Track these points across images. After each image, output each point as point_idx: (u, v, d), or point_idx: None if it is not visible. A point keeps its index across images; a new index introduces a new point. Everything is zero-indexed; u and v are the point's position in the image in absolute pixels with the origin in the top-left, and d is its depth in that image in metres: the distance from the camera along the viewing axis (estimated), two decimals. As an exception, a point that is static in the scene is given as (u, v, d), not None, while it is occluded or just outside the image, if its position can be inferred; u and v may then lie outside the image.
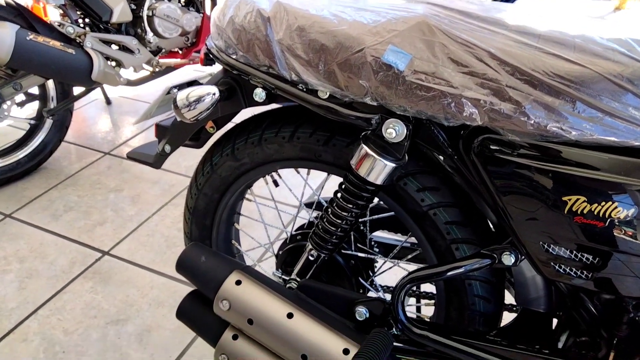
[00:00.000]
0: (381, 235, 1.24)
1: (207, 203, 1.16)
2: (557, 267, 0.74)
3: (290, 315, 0.86)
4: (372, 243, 1.16)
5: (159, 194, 2.12)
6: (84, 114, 2.79)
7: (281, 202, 1.94)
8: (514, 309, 1.10)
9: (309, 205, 1.19)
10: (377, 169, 0.81)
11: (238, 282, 0.90)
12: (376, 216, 1.06)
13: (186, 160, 2.33)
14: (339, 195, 0.89)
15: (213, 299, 0.92)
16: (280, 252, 1.14)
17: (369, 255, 1.07)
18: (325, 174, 1.07)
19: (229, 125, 1.13)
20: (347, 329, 0.87)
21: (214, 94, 0.88)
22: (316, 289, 0.91)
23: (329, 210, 0.91)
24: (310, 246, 0.96)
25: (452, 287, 0.95)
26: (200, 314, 0.97)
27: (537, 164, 0.71)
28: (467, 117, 0.71)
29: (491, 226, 0.93)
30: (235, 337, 0.92)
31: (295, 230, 1.15)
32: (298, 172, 1.09)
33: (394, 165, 0.81)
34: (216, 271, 0.93)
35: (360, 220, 0.96)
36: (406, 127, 0.78)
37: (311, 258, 0.96)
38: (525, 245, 0.77)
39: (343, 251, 1.07)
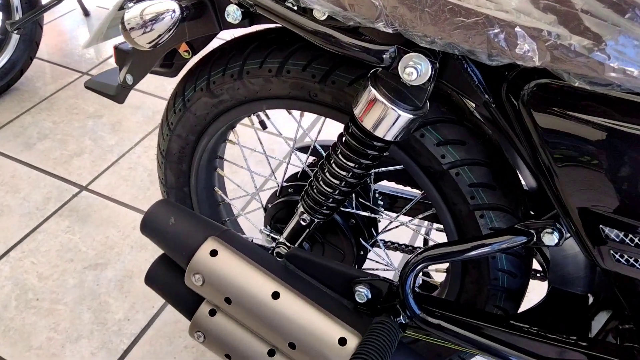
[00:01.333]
0: (387, 185, 1.07)
1: (182, 146, 0.97)
2: (617, 255, 0.58)
3: (276, 295, 0.71)
4: (376, 195, 0.99)
5: (141, 121, 1.92)
6: (59, 27, 2.51)
7: (273, 146, 1.75)
8: (538, 276, 0.95)
9: (302, 149, 1.01)
10: (388, 121, 0.61)
11: (213, 253, 0.74)
12: (383, 169, 0.88)
13: (172, 83, 2.10)
14: (337, 150, 0.70)
15: (185, 268, 0.77)
16: (270, 206, 0.97)
17: (372, 214, 0.90)
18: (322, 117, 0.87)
19: (208, 49, 0.91)
20: (344, 311, 0.72)
21: (174, 11, 0.66)
22: (308, 261, 0.75)
23: (325, 168, 0.72)
24: (301, 208, 0.79)
25: (472, 259, 0.79)
26: (172, 282, 0.82)
27: (610, 123, 0.52)
28: (520, 54, 0.50)
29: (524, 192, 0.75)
30: (212, 313, 0.78)
31: (287, 181, 0.98)
32: (290, 113, 0.89)
33: (410, 116, 0.61)
34: (187, 237, 0.77)
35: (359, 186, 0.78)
36: (431, 64, 0.57)
37: (303, 223, 0.79)
38: (576, 223, 0.59)
39: (342, 209, 0.90)
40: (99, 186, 1.65)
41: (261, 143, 0.98)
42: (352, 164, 0.69)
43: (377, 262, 0.98)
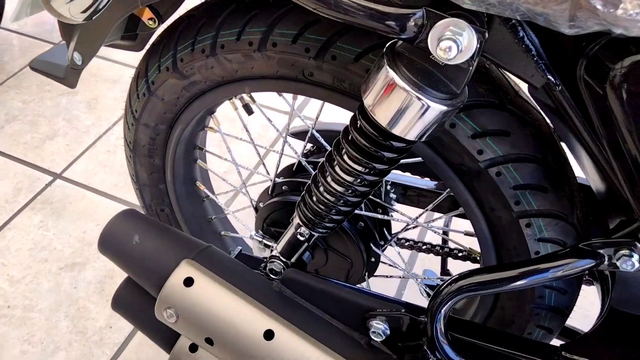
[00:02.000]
0: (399, 173, 0.90)
1: (152, 137, 0.80)
2: None
3: (269, 335, 0.56)
4: (387, 187, 0.82)
5: (120, 97, 1.73)
6: (26, -8, 2.27)
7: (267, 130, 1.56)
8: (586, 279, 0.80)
9: (298, 135, 0.84)
10: (411, 114, 0.44)
11: (188, 281, 0.59)
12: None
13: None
14: (342, 150, 0.53)
15: (155, 297, 0.61)
16: (261, 206, 0.81)
17: (384, 216, 0.74)
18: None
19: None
20: (356, 350, 0.57)
21: (112, -31, 0.48)
22: (309, 287, 0.60)
23: (326, 172, 0.55)
24: (298, 219, 0.62)
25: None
26: (143, 309, 0.67)
27: None
28: (623, 17, 0.32)
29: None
30: (193, 349, 0.63)
31: (280, 175, 0.81)
32: (280, 95, 0.72)
33: (444, 108, 0.44)
34: (156, 261, 0.61)
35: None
36: (477, 35, 0.39)
37: (300, 237, 0.63)
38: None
39: (348, 208, 0.74)
40: (75, 173, 1.48)
41: (247, 131, 0.81)
42: (361, 169, 0.52)
43: (390, 264, 0.82)
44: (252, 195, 0.88)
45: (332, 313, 0.60)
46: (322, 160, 0.57)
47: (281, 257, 0.68)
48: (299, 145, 0.85)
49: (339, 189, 0.55)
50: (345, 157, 0.53)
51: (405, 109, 0.44)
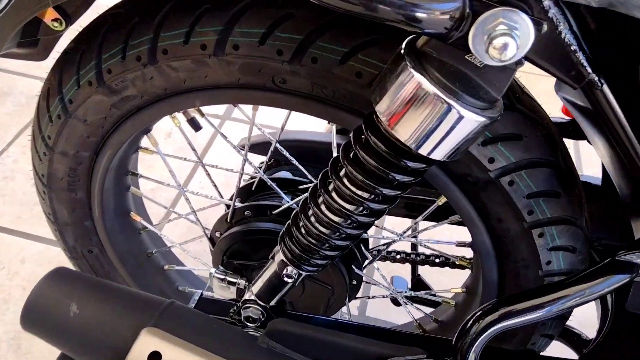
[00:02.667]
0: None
1: (72, 167, 0.64)
2: None
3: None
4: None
5: (13, 112, 1.48)
6: None
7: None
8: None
9: (257, 148, 0.72)
10: (443, 128, 0.35)
11: (154, 356, 0.46)
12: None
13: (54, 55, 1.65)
14: (340, 171, 0.43)
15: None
16: (218, 235, 0.69)
17: (367, 235, 0.65)
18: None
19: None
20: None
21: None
22: (305, 339, 0.49)
23: (320, 197, 0.45)
24: (282, 256, 0.51)
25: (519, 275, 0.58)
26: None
27: None
28: None
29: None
30: None
31: (237, 197, 0.69)
32: (236, 106, 0.60)
33: (482, 119, 0.35)
34: (105, 333, 0.47)
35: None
36: (534, 27, 0.31)
37: (288, 280, 0.52)
38: None
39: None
40: (-36, 209, 1.23)
41: (194, 149, 0.67)
42: (366, 195, 0.43)
43: (373, 284, 0.74)
44: (203, 220, 0.75)
45: (333, 364, 0.50)
46: (313, 185, 0.47)
47: (258, 301, 0.57)
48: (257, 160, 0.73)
49: (336, 219, 0.45)
50: (345, 180, 0.43)
51: (436, 121, 0.35)
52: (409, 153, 0.38)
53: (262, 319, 0.57)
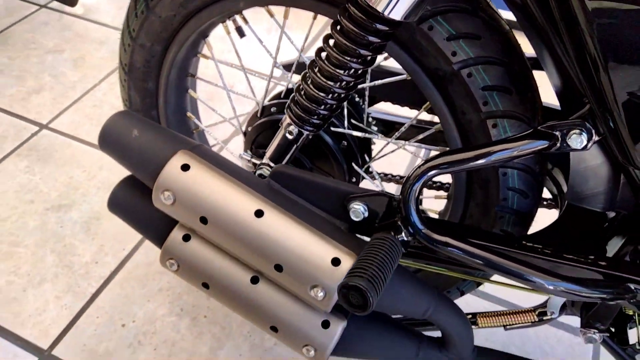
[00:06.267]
0: (382, 110, 0.97)
1: (147, 58, 0.85)
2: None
3: (259, 213, 0.62)
4: (370, 120, 0.89)
5: (107, 57, 1.76)
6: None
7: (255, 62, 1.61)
8: (547, 203, 0.88)
9: (287, 67, 0.89)
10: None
11: (185, 167, 0.64)
12: (379, 81, 0.77)
13: (141, 17, 1.93)
14: (330, 42, 0.59)
15: (152, 187, 0.66)
16: (249, 129, 0.87)
17: (366, 135, 0.80)
18: (309, 24, 0.75)
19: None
20: (337, 232, 0.63)
21: None
22: (295, 178, 0.65)
23: (316, 66, 0.61)
24: (288, 119, 0.68)
25: (479, 176, 0.71)
26: (138, 206, 0.71)
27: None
28: None
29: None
30: (186, 238, 0.68)
31: (269, 100, 0.87)
32: (272, 17, 0.77)
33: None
34: (154, 150, 0.66)
35: (358, 86, 0.67)
36: None
37: (289, 136, 0.69)
38: (618, 119, 0.50)
39: (332, 128, 0.80)
40: (61, 124, 1.50)
41: (238, 56, 0.86)
42: (348, 58, 0.58)
43: (370, 180, 0.88)
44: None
45: (316, 203, 0.66)
46: (312, 59, 0.63)
47: (270, 163, 0.74)
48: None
49: (328, 82, 0.61)
50: (334, 49, 0.59)
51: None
52: (377, 16, 0.53)
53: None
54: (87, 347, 1.03)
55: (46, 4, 1.98)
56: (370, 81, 0.78)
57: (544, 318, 0.77)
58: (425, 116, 1.08)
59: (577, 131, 0.55)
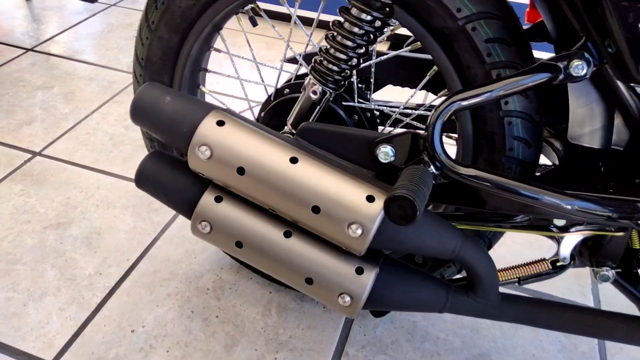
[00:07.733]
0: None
1: (164, 51, 0.90)
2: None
3: (294, 160, 0.65)
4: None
5: (97, 91, 1.79)
6: (-4, 8, 2.33)
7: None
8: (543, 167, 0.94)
9: (295, 60, 0.96)
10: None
11: (220, 123, 0.67)
12: (383, 57, 0.85)
13: (126, 56, 1.99)
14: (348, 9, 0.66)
15: (185, 148, 0.69)
16: (263, 114, 0.91)
17: (369, 104, 0.86)
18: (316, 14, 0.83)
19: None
20: (367, 177, 0.67)
21: None
22: (322, 132, 0.70)
23: (341, 24, 0.68)
24: (312, 80, 0.73)
25: (485, 128, 0.77)
26: (167, 175, 0.74)
27: None
28: None
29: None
30: (218, 199, 0.70)
31: (282, 85, 0.92)
32: (283, 4, 0.84)
33: None
34: (189, 111, 0.69)
35: (363, 64, 0.74)
36: None
37: (313, 96, 0.74)
38: (620, 43, 0.58)
39: (344, 103, 0.86)
40: (55, 151, 1.51)
41: (251, 48, 0.92)
42: (356, 30, 0.65)
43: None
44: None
45: (344, 154, 0.70)
46: (334, 21, 0.69)
47: (292, 130, 0.78)
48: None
49: (351, 36, 0.67)
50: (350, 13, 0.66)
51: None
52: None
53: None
54: (95, 355, 0.99)
55: (33, 48, 2.03)
56: (375, 65, 0.85)
57: (557, 265, 0.81)
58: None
59: (579, 59, 0.62)
